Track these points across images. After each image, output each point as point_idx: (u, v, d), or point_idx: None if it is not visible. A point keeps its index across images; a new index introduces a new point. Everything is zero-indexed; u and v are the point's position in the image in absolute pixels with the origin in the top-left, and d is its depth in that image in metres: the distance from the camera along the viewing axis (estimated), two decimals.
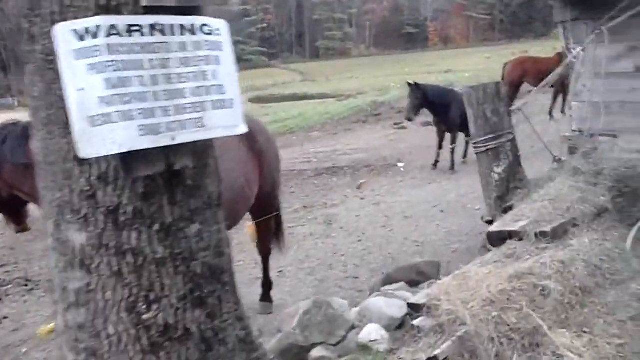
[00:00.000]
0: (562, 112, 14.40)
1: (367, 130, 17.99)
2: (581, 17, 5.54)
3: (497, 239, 3.30)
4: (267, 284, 5.22)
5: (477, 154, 4.81)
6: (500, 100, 4.66)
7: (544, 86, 5.88)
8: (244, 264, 6.30)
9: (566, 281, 2.69)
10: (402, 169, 7.98)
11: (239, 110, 1.76)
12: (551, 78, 5.75)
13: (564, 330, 2.45)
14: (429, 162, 10.88)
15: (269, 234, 5.15)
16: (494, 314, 2.45)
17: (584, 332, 2.47)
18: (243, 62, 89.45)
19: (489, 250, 3.64)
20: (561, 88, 14.19)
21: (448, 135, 10.29)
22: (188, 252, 1.76)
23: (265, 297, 5.18)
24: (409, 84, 10.28)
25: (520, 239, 3.18)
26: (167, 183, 1.68)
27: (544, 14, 63.14)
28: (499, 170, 4.68)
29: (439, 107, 10.11)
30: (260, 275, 5.31)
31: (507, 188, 4.69)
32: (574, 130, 5.93)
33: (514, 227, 3.22)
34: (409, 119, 10.55)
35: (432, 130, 15.43)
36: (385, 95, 28.62)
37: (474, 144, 4.81)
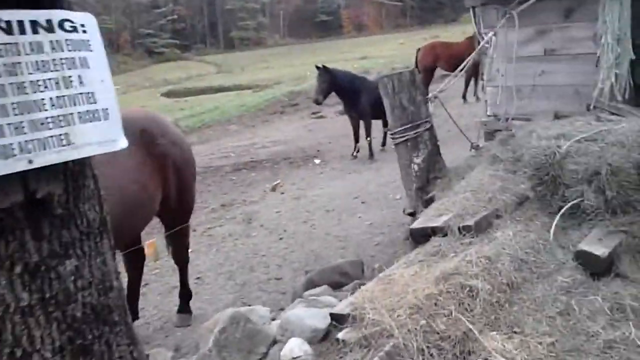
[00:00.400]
0: (475, 95, 14.73)
1: (285, 121, 17.76)
2: (490, 1, 5.52)
3: (420, 236, 3.16)
4: (185, 295, 4.88)
5: (395, 144, 4.69)
6: (416, 88, 4.54)
7: (459, 72, 5.81)
8: (161, 271, 5.93)
9: (493, 278, 2.58)
10: (318, 165, 7.79)
11: (116, 122, 1.47)
12: (466, 64, 5.69)
13: (495, 332, 2.33)
14: (348, 152, 10.80)
15: (184, 241, 4.78)
16: (422, 322, 2.28)
17: (515, 332, 2.35)
18: (155, 55, 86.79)
19: (413, 244, 3.52)
20: (473, 72, 14.49)
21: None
22: (63, 294, 1.45)
23: (184, 308, 4.84)
24: (317, 67, 10.18)
25: (444, 235, 3.05)
26: (30, 215, 1.37)
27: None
28: (418, 160, 4.57)
29: (348, 93, 10.06)
30: (177, 282, 4.97)
31: (427, 178, 4.59)
32: (489, 115, 5.94)
33: (437, 223, 3.09)
34: (316, 101, 10.42)
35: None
36: (301, 84, 28.43)
37: (391, 134, 4.68)
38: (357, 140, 10.30)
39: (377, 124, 10.35)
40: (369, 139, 10.09)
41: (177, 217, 4.47)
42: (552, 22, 5.28)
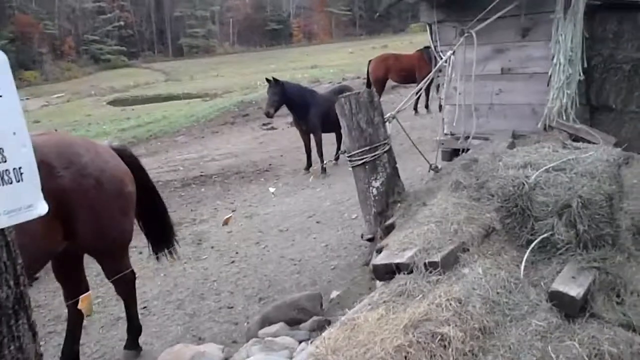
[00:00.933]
0: (426, 107, 14.77)
1: (236, 132, 17.41)
2: (448, 19, 5.43)
3: (384, 273, 2.95)
4: (133, 329, 4.50)
5: (352, 167, 4.49)
6: (374, 109, 4.35)
7: (417, 92, 5.67)
8: (103, 300, 5.55)
9: (465, 324, 2.39)
10: (273, 195, 7.52)
11: (32, 183, 1.20)
12: (424, 83, 5.57)
13: None
14: (300, 166, 10.59)
15: (123, 275, 4.23)
16: None
17: None
18: (101, 62, 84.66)
19: (373, 277, 3.32)
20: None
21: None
22: None
23: (131, 344, 4.47)
24: (268, 80, 10.09)
25: (410, 272, 2.85)
26: None
27: (400, 10, 65.80)
28: (377, 184, 4.38)
29: (297, 106, 9.95)
30: (124, 313, 4.60)
31: (387, 202, 4.41)
32: (446, 134, 5.83)
33: (402, 259, 2.89)
34: (268, 114, 10.18)
35: None
36: (251, 93, 28.15)
37: (348, 157, 4.48)
38: (308, 154, 10.12)
39: (329, 137, 10.21)
40: (318, 148, 9.99)
41: (105, 253, 4.04)
42: (510, 40, 5.22)
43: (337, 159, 10.41)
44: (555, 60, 4.74)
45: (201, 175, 11.04)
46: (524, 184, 2.92)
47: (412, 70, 14.55)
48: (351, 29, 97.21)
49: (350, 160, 4.46)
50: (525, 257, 2.81)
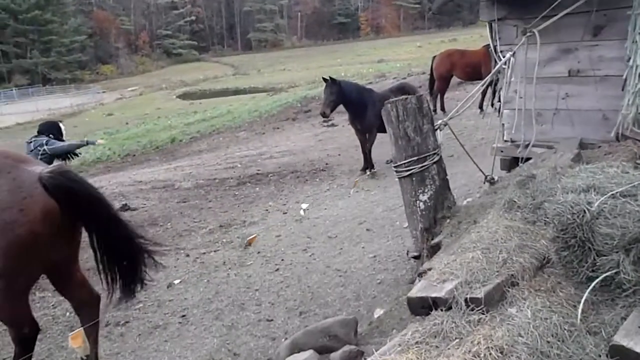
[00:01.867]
0: (492, 105, 14.09)
1: (296, 128, 17.31)
2: (509, 16, 4.98)
3: (420, 307, 2.63)
4: None
5: (399, 178, 4.16)
6: (423, 116, 4.00)
7: (476, 92, 5.25)
8: (144, 306, 5.47)
9: None
10: (303, 212, 7.21)
11: None
12: (482, 86, 5.16)
13: None
14: (356, 166, 10.31)
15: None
16: None
17: None
18: (173, 56, 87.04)
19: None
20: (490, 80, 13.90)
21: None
22: None
23: None
24: (324, 79, 9.82)
25: (449, 308, 2.52)
26: None
27: (471, 2, 64.02)
28: (424, 197, 4.04)
29: (354, 105, 9.64)
30: (162, 320, 4.44)
31: (434, 218, 4.06)
32: (505, 141, 5.39)
33: (440, 293, 2.56)
34: (324, 114, 9.89)
35: None
36: (315, 88, 27.99)
37: (395, 167, 4.15)
38: (365, 155, 9.82)
39: (385, 137, 9.86)
40: (368, 147, 9.83)
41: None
42: (578, 40, 4.71)
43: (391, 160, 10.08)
44: (631, 62, 4.22)
45: (257, 174, 10.93)
46: (585, 212, 2.52)
47: (477, 67, 13.92)
48: (420, 22, 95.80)
49: (396, 171, 4.14)
50: (584, 297, 2.42)
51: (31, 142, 7.40)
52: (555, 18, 4.30)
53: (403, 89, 10.85)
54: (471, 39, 48.80)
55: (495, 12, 5.00)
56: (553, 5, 4.23)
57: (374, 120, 9.47)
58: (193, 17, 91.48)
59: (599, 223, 2.51)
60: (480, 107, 13.98)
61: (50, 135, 7.43)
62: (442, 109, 14.94)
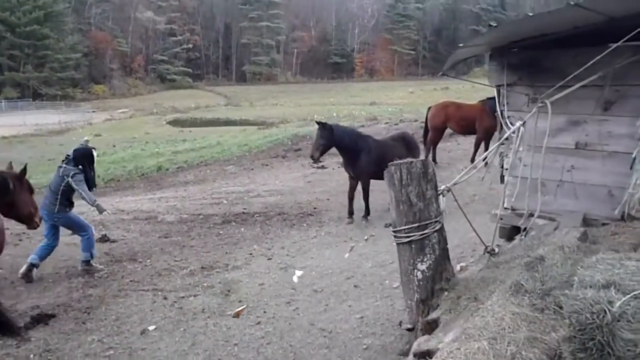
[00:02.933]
0: (484, 162, 14.03)
1: (285, 167, 17.11)
2: (519, 82, 4.87)
3: None
4: None
5: (397, 244, 3.96)
6: (427, 181, 3.83)
7: (476, 164, 5.10)
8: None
9: None
10: (295, 279, 6.91)
11: None
12: (488, 154, 5.01)
13: None
14: (343, 213, 10.09)
15: None
16: None
17: None
18: (167, 81, 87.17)
19: None
20: (484, 136, 13.91)
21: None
22: None
23: None
24: (317, 123, 9.67)
25: None
26: None
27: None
28: (422, 267, 3.84)
29: (347, 150, 9.52)
30: None
31: (432, 289, 3.85)
32: (506, 208, 5.23)
33: None
34: (312, 157, 9.74)
35: None
36: (306, 126, 27.96)
37: (393, 232, 3.96)
38: (350, 200, 9.63)
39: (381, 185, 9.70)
40: (365, 196, 9.72)
41: None
42: (588, 113, 4.61)
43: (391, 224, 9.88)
44: None
45: (243, 213, 10.68)
46: (605, 312, 2.32)
47: (472, 121, 13.93)
48: (413, 68, 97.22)
49: (395, 236, 3.94)
50: None
51: (61, 167, 7.14)
52: (569, 90, 4.18)
53: (404, 138, 10.75)
54: (463, 88, 49.40)
55: (505, 77, 4.90)
56: (568, 78, 4.11)
57: (365, 167, 9.34)
58: (190, 45, 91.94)
59: (620, 326, 2.31)
60: (472, 161, 13.93)
61: (80, 167, 7.09)
62: (434, 159, 14.87)
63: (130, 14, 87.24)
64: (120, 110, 59.77)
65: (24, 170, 6.18)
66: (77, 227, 7.32)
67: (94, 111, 58.75)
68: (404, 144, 10.35)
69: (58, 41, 71.95)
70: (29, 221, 6.32)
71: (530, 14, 3.79)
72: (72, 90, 73.27)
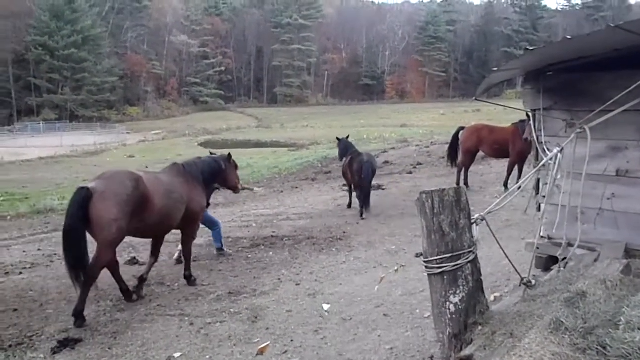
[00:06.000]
0: (505, 185, 13.74)
1: (315, 189, 17.04)
2: (555, 107, 4.71)
3: None
4: None
5: (429, 275, 3.80)
6: (460, 210, 3.68)
7: (518, 188, 4.92)
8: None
9: None
10: (325, 312, 6.68)
11: None
12: (525, 181, 4.83)
13: None
14: (376, 236, 9.96)
15: None
16: None
17: None
18: (200, 103, 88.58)
19: None
20: (518, 159, 13.64)
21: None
22: None
23: None
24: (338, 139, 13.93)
25: None
26: None
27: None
28: (455, 299, 3.67)
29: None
30: None
31: (465, 323, 3.67)
32: (543, 237, 5.03)
33: None
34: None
35: (383, 196, 14.65)
36: (337, 149, 27.93)
37: (425, 262, 3.80)
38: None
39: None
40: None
41: None
42: (629, 138, 4.42)
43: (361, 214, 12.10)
44: None
45: (272, 236, 10.61)
46: None
47: (505, 145, 13.68)
48: (444, 90, 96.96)
49: (427, 267, 3.79)
50: None
51: None
52: (610, 115, 4.00)
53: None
54: (494, 111, 49.01)
55: (541, 101, 4.75)
56: (608, 103, 3.94)
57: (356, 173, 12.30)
58: (223, 68, 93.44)
59: None
60: (505, 185, 13.66)
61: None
62: (466, 183, 14.64)
63: (164, 37, 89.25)
64: (154, 132, 60.83)
65: (229, 155, 9.12)
66: (210, 223, 9.45)
67: (128, 133, 59.94)
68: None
69: (95, 64, 73.95)
70: (235, 189, 9.35)
71: (569, 37, 3.65)
72: (108, 112, 75.06)
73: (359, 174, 12.15)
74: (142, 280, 7.39)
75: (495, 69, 4.42)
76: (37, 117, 66.31)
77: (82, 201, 6.16)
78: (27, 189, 21.57)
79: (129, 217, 6.39)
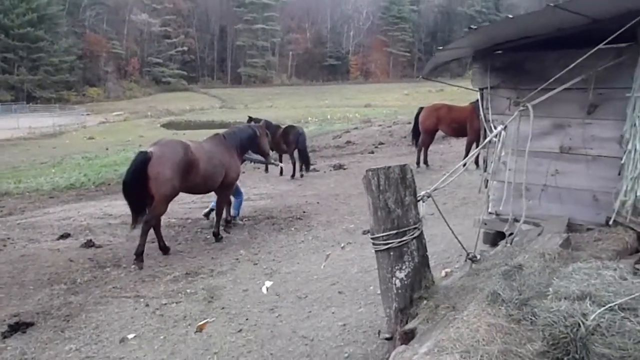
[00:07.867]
0: (476, 163, 13.95)
1: (278, 170, 16.96)
2: (502, 85, 4.79)
3: None
4: None
5: (375, 252, 3.86)
6: (406, 187, 3.73)
7: (463, 165, 5.01)
8: None
9: None
10: (265, 290, 6.67)
11: None
12: (469, 159, 4.93)
13: None
14: (336, 216, 10.04)
15: None
16: None
17: None
18: (162, 84, 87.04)
19: None
20: (475, 137, 13.82)
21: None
22: None
23: None
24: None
25: None
26: None
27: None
28: (401, 275, 3.74)
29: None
30: None
31: (411, 298, 3.75)
32: (490, 213, 5.15)
33: None
34: None
35: (344, 175, 14.74)
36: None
37: (372, 239, 3.86)
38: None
39: None
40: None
41: None
42: (572, 116, 4.54)
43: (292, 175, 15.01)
44: (630, 146, 4.02)
45: (231, 217, 10.57)
46: (579, 326, 2.24)
47: (463, 123, 13.85)
48: (409, 70, 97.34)
49: (373, 244, 3.84)
50: None
51: None
52: (551, 93, 4.10)
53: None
54: (458, 91, 49.40)
55: (488, 80, 4.82)
56: (550, 81, 4.03)
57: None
58: (185, 48, 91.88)
59: (594, 340, 2.23)
60: (476, 162, 13.84)
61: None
62: (425, 162, 14.81)
63: (124, 16, 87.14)
64: (115, 113, 59.66)
65: (264, 122, 11.58)
66: (235, 191, 9.98)
67: (88, 114, 58.60)
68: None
69: (52, 44, 71.84)
70: (266, 156, 10.33)
71: (511, 16, 3.71)
72: (67, 93, 73.18)
73: (295, 143, 15.00)
74: (227, 222, 9.62)
75: (441, 47, 4.47)
76: None
77: (142, 162, 7.54)
78: None
79: (179, 177, 7.76)
